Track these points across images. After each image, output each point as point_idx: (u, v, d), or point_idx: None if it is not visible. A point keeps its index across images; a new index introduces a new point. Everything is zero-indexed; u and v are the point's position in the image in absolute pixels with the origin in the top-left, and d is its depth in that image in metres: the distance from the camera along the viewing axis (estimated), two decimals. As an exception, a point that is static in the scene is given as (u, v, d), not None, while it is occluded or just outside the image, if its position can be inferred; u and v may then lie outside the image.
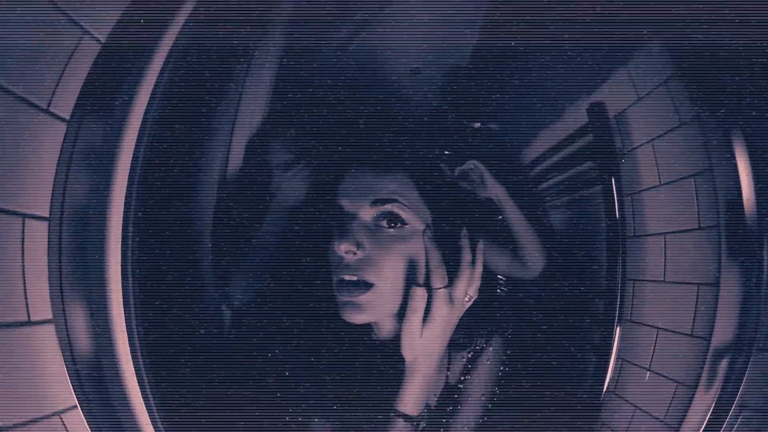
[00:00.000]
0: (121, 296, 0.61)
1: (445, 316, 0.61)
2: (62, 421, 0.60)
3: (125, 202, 0.62)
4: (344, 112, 0.84)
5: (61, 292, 0.60)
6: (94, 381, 0.60)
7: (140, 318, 0.63)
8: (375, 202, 0.65)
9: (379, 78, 0.90)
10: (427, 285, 0.61)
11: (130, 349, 0.61)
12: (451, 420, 0.71)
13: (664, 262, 0.84)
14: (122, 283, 0.61)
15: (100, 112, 0.61)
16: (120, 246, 0.62)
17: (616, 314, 0.88)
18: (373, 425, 0.64)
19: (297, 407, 0.69)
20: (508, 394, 0.72)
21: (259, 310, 0.78)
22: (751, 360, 0.72)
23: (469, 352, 0.72)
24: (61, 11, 0.56)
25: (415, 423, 0.63)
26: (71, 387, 0.60)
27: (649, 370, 0.84)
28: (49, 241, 0.59)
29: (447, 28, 0.90)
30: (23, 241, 0.57)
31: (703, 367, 0.74)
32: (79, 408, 0.60)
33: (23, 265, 0.58)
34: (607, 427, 0.86)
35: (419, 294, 0.60)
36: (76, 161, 0.60)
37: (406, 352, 0.62)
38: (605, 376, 0.88)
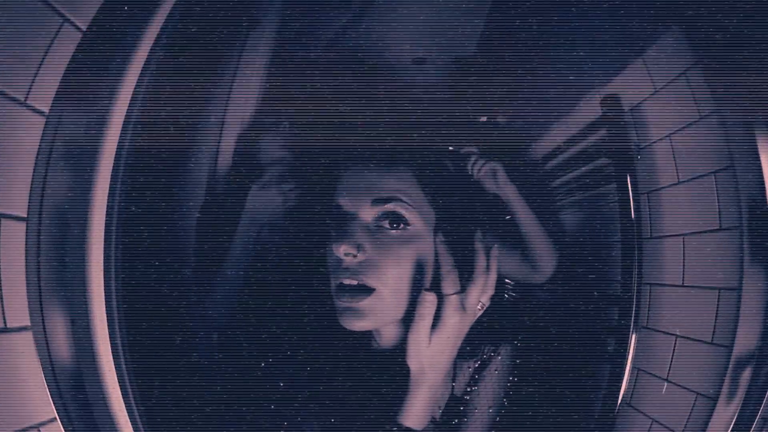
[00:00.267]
0: (103, 301, 0.59)
1: (456, 325, 0.58)
2: (41, 435, 0.58)
3: (108, 202, 0.60)
4: (342, 103, 0.81)
5: (40, 297, 0.57)
6: (75, 392, 0.58)
7: (124, 325, 0.60)
8: (376, 202, 0.62)
9: (381, 67, 0.87)
10: (437, 290, 0.58)
11: (113, 358, 0.59)
12: (456, 433, 0.68)
13: (683, 265, 0.82)
14: (104, 288, 0.59)
15: (81, 105, 0.58)
16: (102, 248, 0.59)
17: (632, 321, 0.86)
18: (373, 440, 0.61)
19: (292, 420, 0.66)
20: (517, 406, 0.69)
21: (250, 317, 0.75)
22: (775, 370, 0.69)
23: (475, 362, 0.69)
24: (37, -4, 0.53)
25: None
26: (50, 398, 0.57)
27: (666, 381, 0.82)
28: (26, 243, 0.57)
29: (452, 14, 0.86)
30: (-1, 243, 0.55)
31: (724, 378, 0.71)
32: (59, 421, 0.58)
33: (-1, 269, 0.55)
34: (621, 440, 0.84)
35: (429, 300, 0.57)
36: (55, 157, 0.58)
37: (412, 361, 0.59)
38: (620, 387, 0.86)
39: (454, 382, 0.69)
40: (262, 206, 0.79)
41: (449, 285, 0.57)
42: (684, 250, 0.82)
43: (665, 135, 0.84)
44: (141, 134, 0.62)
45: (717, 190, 0.77)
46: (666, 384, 0.81)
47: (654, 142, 0.86)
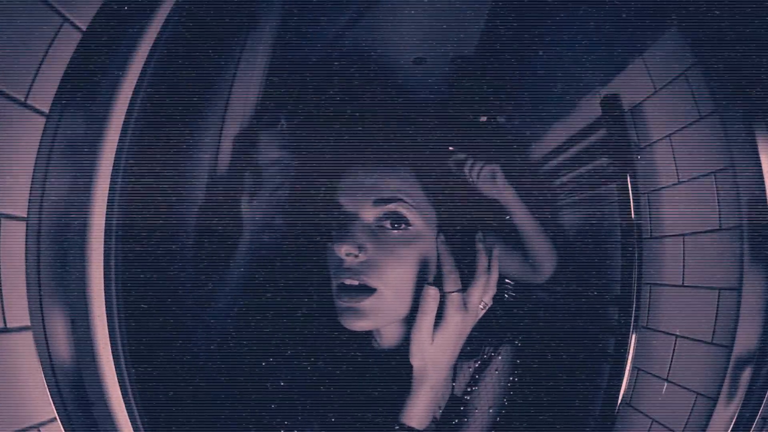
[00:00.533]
0: (103, 302, 0.59)
1: (459, 323, 0.58)
2: (41, 435, 0.58)
3: (108, 202, 0.59)
4: (341, 103, 0.81)
5: (40, 297, 0.57)
6: (75, 392, 0.58)
7: (123, 325, 0.60)
8: (378, 202, 0.62)
9: (380, 67, 0.87)
10: (439, 288, 0.58)
11: (113, 358, 0.58)
12: (456, 433, 0.67)
13: (683, 265, 0.81)
14: (105, 288, 0.59)
15: (81, 104, 0.58)
16: (102, 248, 0.59)
17: (632, 321, 0.86)
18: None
19: (293, 420, 0.66)
20: (518, 406, 0.69)
21: (250, 317, 0.75)
22: (775, 370, 0.69)
23: (476, 362, 0.68)
24: (38, -4, 0.53)
25: None
26: (50, 399, 0.57)
27: (666, 381, 0.82)
28: (26, 243, 0.57)
29: (452, 14, 0.86)
30: (-1, 243, 0.55)
31: (724, 378, 0.71)
32: (59, 421, 0.57)
33: (-1, 269, 0.55)
34: (621, 440, 0.84)
35: (431, 294, 0.57)
36: (55, 157, 0.57)
37: (415, 359, 0.59)
38: (620, 387, 0.85)
39: (454, 382, 0.69)
40: (256, 214, 0.78)
41: (450, 284, 0.57)
42: (684, 250, 0.82)
43: (665, 135, 0.83)
44: (141, 134, 0.62)
45: (717, 190, 0.76)
46: (666, 384, 0.81)
47: (654, 142, 0.85)
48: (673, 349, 0.81)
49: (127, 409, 0.59)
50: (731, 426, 0.70)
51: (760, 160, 0.70)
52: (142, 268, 0.65)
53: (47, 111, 0.57)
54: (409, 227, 0.62)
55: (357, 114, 0.82)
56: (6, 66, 0.54)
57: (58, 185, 0.58)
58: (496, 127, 0.97)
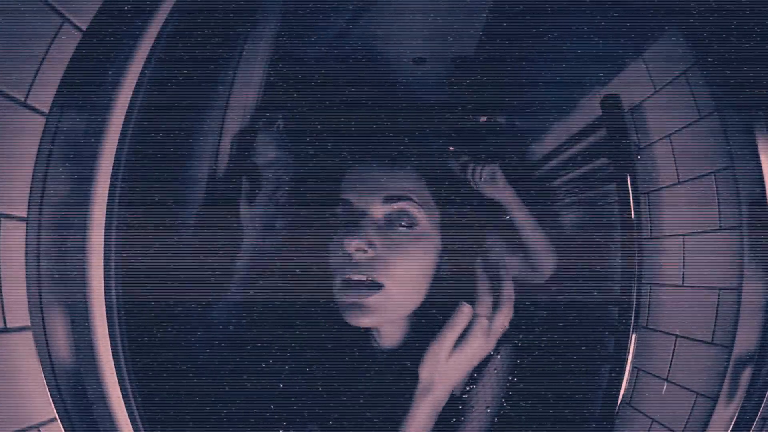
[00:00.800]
0: (103, 302, 0.58)
1: (479, 347, 0.59)
2: (41, 435, 0.58)
3: (108, 201, 0.59)
4: (341, 102, 0.81)
5: (40, 297, 0.57)
6: (75, 392, 0.58)
7: (124, 325, 0.60)
8: (388, 199, 0.63)
9: (380, 67, 0.87)
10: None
11: (113, 358, 0.58)
12: (454, 433, 0.67)
13: (683, 266, 0.81)
14: (105, 288, 0.59)
15: (81, 104, 0.58)
16: (103, 248, 0.59)
17: (632, 321, 0.86)
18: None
19: (292, 421, 0.66)
20: (516, 407, 0.69)
21: (250, 318, 0.75)
22: (775, 370, 0.69)
23: None
24: (38, -4, 0.53)
25: None
26: (50, 399, 0.57)
27: (666, 381, 0.81)
28: (26, 243, 0.57)
29: (452, 14, 0.86)
30: (-1, 243, 0.55)
31: (724, 378, 0.71)
32: (59, 421, 0.57)
33: (-1, 269, 0.55)
34: (621, 440, 0.83)
35: (465, 313, 0.58)
36: (55, 157, 0.57)
37: (425, 370, 0.59)
38: (620, 387, 0.85)
39: None
40: (255, 218, 0.78)
41: (483, 307, 0.58)
42: (684, 250, 0.81)
43: (665, 135, 0.83)
44: (141, 134, 0.62)
45: (717, 190, 0.76)
46: (666, 384, 0.81)
47: (654, 142, 0.85)
48: (673, 349, 0.81)
49: (127, 409, 0.59)
50: (731, 426, 0.69)
51: (760, 160, 0.70)
52: (142, 268, 0.65)
53: (47, 111, 0.57)
54: (416, 226, 0.63)
55: (357, 114, 0.82)
56: (6, 66, 0.54)
57: (58, 185, 0.58)
58: (496, 127, 0.97)
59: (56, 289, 0.57)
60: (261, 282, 0.76)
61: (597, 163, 0.93)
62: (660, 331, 0.84)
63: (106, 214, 0.59)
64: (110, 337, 0.58)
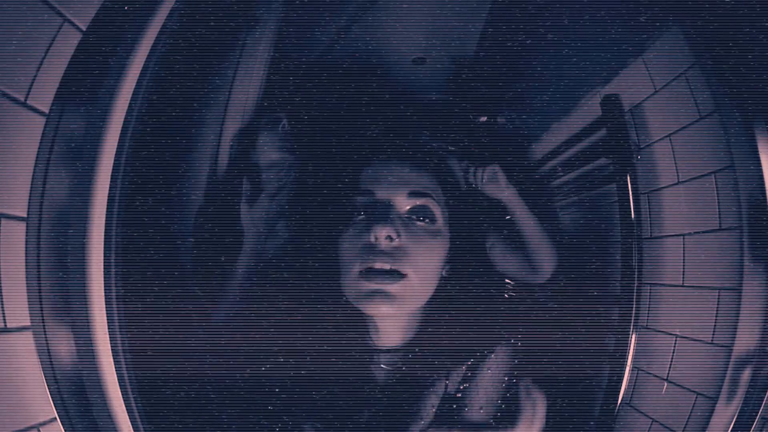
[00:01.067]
0: (103, 301, 0.58)
1: None
2: (41, 435, 0.58)
3: (108, 201, 0.59)
4: (341, 103, 0.81)
5: (40, 297, 0.57)
6: (75, 392, 0.58)
7: (123, 325, 0.60)
8: (413, 194, 0.65)
9: (380, 67, 0.87)
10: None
11: (113, 358, 0.58)
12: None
13: (683, 266, 0.82)
14: (105, 288, 0.58)
15: (81, 104, 0.58)
16: (103, 248, 0.59)
17: (632, 321, 0.86)
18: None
19: (291, 420, 0.66)
20: (514, 406, 0.69)
21: (249, 318, 0.75)
22: (775, 370, 0.68)
23: (469, 360, 0.68)
24: (38, -4, 0.53)
25: None
26: (50, 398, 0.57)
27: (666, 381, 0.82)
28: (26, 243, 0.56)
29: (452, 14, 0.86)
30: (-1, 243, 0.54)
31: (724, 378, 0.71)
32: (59, 421, 0.57)
33: (-1, 268, 0.55)
34: (621, 440, 0.83)
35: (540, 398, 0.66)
36: (56, 157, 0.57)
37: None
38: (620, 387, 0.86)
39: (447, 380, 0.69)
40: (257, 221, 0.78)
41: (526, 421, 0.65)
42: (684, 250, 0.82)
43: (665, 135, 0.83)
44: (141, 134, 0.61)
45: (717, 190, 0.77)
46: (666, 384, 0.81)
47: (654, 142, 0.86)
48: (673, 349, 0.81)
49: (127, 410, 0.59)
50: (731, 426, 0.70)
51: (760, 160, 0.70)
52: (143, 269, 0.65)
53: (47, 111, 0.57)
54: (434, 223, 0.65)
55: (356, 114, 0.82)
56: (6, 66, 0.53)
57: (58, 185, 0.57)
58: (496, 127, 0.97)
59: (56, 289, 0.57)
60: (261, 282, 0.76)
61: (597, 163, 0.93)
62: (660, 331, 0.84)
63: (106, 214, 0.59)
64: (110, 338, 0.58)
